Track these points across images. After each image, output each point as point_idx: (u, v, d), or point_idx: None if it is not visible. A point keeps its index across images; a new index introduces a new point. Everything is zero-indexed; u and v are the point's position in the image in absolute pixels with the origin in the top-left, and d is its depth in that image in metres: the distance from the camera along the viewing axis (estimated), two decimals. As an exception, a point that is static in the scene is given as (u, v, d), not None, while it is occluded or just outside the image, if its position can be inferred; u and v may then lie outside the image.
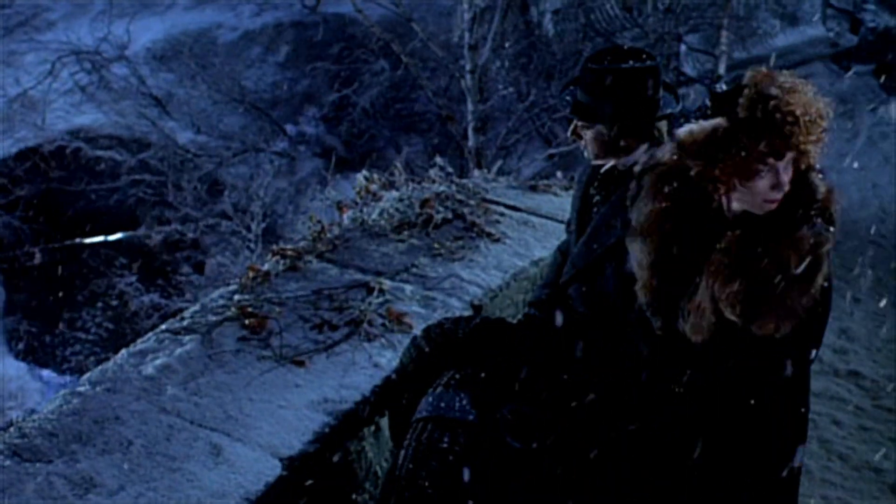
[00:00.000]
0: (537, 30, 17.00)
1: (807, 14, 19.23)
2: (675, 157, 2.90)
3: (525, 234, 6.19)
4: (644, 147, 3.74)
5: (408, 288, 5.19)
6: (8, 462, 3.72)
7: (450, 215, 6.45)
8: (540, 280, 4.67)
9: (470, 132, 13.42)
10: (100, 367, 4.45)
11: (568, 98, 3.80)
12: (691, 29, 16.43)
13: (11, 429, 3.93)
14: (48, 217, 19.07)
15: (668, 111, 3.73)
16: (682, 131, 2.92)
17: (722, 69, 16.47)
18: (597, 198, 3.92)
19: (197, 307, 5.04)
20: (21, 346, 17.65)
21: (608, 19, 16.14)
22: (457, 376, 3.66)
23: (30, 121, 19.38)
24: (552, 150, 14.47)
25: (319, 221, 6.08)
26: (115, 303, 18.34)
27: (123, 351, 4.60)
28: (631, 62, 3.64)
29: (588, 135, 3.78)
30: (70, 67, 19.86)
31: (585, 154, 3.86)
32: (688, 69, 17.16)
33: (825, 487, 6.41)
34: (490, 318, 4.21)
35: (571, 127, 3.79)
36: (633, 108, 3.68)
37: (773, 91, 2.70)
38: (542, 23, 16.98)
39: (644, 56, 3.66)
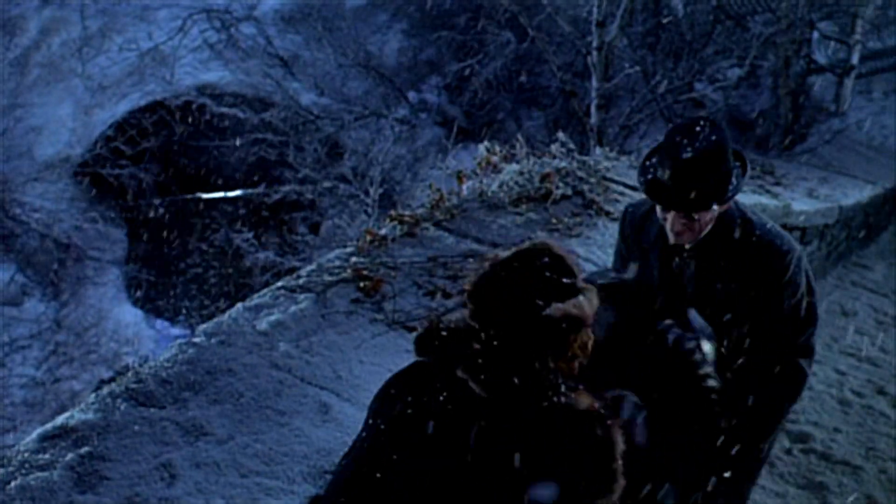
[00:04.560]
0: (667, 9, 16.73)
1: (948, 4, 18.58)
2: None
3: (644, 215, 6.11)
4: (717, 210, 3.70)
5: (523, 261, 5.15)
6: (124, 405, 3.81)
7: (569, 191, 6.42)
8: None
9: (593, 109, 13.27)
10: (215, 320, 4.53)
11: (649, 176, 3.74)
12: (825, 16, 15.98)
13: (129, 373, 4.02)
14: (171, 170, 19.46)
15: (739, 184, 3.72)
16: None
17: (855, 59, 16.01)
18: (689, 268, 3.87)
19: (313, 266, 5.09)
20: (139, 293, 18.07)
21: (740, 2, 15.81)
22: None
23: (159, 75, 19.76)
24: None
25: (438, 190, 6.10)
26: (230, 258, 18.66)
27: (239, 305, 4.67)
28: (705, 140, 3.59)
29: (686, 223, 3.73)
30: (200, 25, 20.16)
31: (674, 235, 3.78)
32: (819, 57, 16.72)
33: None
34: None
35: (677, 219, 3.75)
36: (714, 194, 3.66)
37: None
38: (671, 2, 16.70)
39: (712, 133, 3.61)
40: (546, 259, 2.60)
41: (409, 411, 2.60)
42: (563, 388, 2.55)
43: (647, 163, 3.78)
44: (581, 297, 2.60)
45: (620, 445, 2.53)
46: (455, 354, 2.58)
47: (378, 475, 2.60)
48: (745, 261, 3.78)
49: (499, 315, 2.54)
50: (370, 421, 2.71)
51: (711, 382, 3.33)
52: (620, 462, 2.51)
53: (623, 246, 4.16)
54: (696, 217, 3.67)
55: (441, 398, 2.57)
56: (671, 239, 3.78)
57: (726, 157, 3.63)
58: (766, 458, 4.40)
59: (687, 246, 3.80)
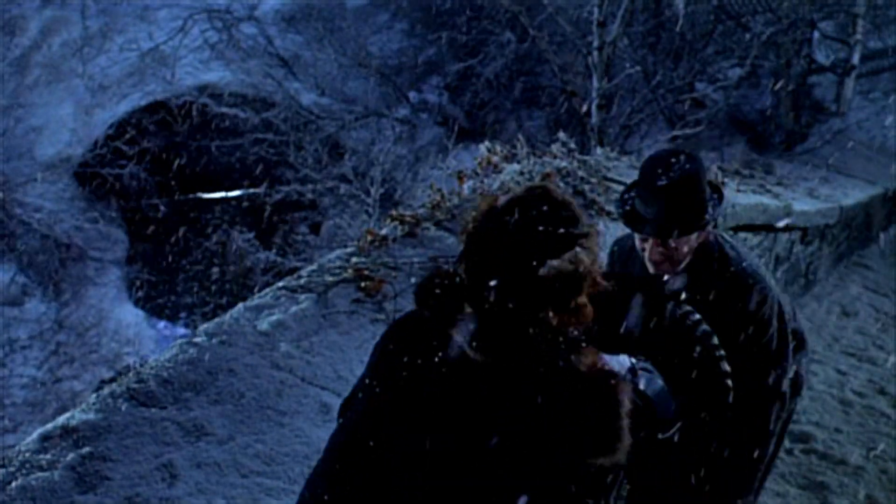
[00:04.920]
0: (667, 9, 16.73)
1: (948, 4, 18.58)
2: None
3: (644, 215, 6.11)
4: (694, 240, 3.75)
5: (524, 261, 5.16)
6: (125, 406, 3.81)
7: (570, 191, 6.40)
8: None
9: (593, 109, 13.27)
10: (216, 320, 4.51)
11: (627, 207, 3.77)
12: (826, 15, 16.00)
13: (130, 374, 4.01)
14: (172, 170, 19.47)
15: (715, 214, 3.76)
16: None
17: (856, 58, 16.02)
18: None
19: (314, 266, 5.08)
20: (140, 293, 18.09)
21: (740, 2, 15.80)
22: None
23: (160, 75, 19.78)
24: (676, 132, 14.26)
25: (439, 190, 6.08)
26: (231, 258, 18.67)
27: (240, 305, 4.65)
28: (679, 170, 3.63)
29: (662, 250, 3.74)
30: (201, 25, 20.18)
31: (652, 265, 3.78)
32: (820, 57, 16.73)
33: None
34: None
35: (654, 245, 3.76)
36: (690, 221, 3.69)
37: None
38: (672, 2, 16.70)
39: (686, 163, 3.65)
40: (545, 207, 2.44)
41: (405, 374, 2.50)
42: (562, 349, 2.43)
43: (626, 195, 3.83)
44: (578, 249, 2.43)
45: (627, 405, 2.42)
46: (450, 314, 2.46)
47: (372, 444, 2.54)
48: (717, 295, 3.78)
49: (490, 276, 2.40)
50: (367, 381, 2.63)
51: (725, 366, 3.38)
52: (626, 421, 2.40)
53: None
54: (674, 245, 3.70)
55: (437, 360, 2.46)
56: (650, 269, 3.79)
57: (701, 185, 3.67)
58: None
59: (665, 278, 3.81)
